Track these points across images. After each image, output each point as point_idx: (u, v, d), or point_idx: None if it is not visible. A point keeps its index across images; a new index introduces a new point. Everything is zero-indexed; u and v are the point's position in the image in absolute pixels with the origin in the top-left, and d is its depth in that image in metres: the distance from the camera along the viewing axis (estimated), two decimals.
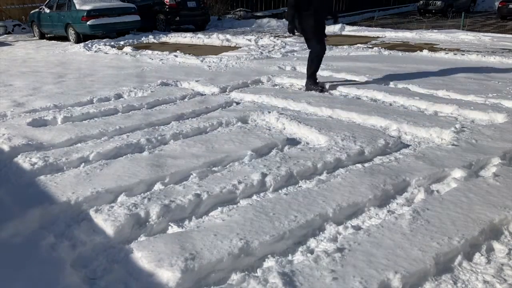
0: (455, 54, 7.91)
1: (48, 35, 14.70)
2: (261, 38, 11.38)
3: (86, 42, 11.71)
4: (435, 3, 19.98)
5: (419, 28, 13.34)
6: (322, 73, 6.55)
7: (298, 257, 2.19)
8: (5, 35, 15.70)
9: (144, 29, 13.98)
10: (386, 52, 8.59)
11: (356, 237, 2.25)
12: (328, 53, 8.75)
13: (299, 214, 2.47)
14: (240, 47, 10.30)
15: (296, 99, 4.93)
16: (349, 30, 13.30)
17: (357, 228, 2.41)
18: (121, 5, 13.50)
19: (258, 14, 18.12)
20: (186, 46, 11.20)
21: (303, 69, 6.97)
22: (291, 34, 5.39)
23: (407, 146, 3.64)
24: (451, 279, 1.97)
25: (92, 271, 2.12)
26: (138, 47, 10.85)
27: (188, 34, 12.64)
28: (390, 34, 11.81)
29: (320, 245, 2.27)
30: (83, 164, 3.32)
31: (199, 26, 15.28)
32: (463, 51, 8.54)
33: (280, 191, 2.89)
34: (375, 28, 13.54)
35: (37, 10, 14.58)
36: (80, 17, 12.41)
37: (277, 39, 11.23)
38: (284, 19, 15.94)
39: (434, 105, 4.57)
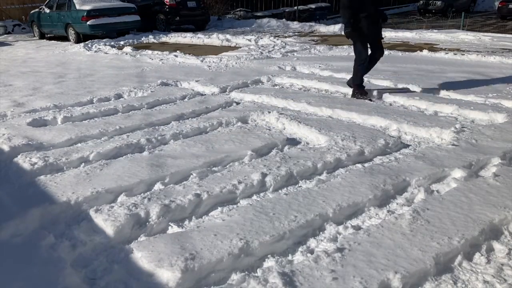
0: (455, 54, 7.91)
1: (48, 35, 14.70)
2: (261, 38, 11.38)
3: (86, 42, 11.72)
4: (435, 3, 20.00)
5: (419, 28, 13.34)
6: (322, 73, 6.56)
7: (298, 257, 2.19)
8: (5, 35, 15.72)
9: (144, 29, 13.98)
10: (386, 52, 8.55)
11: (356, 237, 2.25)
12: (328, 53, 8.78)
13: (299, 214, 2.47)
14: (240, 47, 10.30)
15: (296, 99, 4.93)
16: None
17: (357, 228, 2.41)
18: (121, 5, 13.51)
19: (258, 14, 18.11)
20: (186, 46, 11.20)
21: (303, 69, 7.00)
22: (348, 39, 4.85)
23: (407, 146, 3.64)
24: (451, 279, 1.97)
25: (92, 271, 2.12)
26: (138, 47, 10.85)
27: (188, 34, 12.64)
28: (390, 34, 11.79)
29: (320, 245, 2.27)
30: (83, 164, 3.32)
31: (199, 26, 15.28)
32: (463, 51, 8.54)
33: (280, 191, 2.89)
34: None
35: (37, 10, 14.58)
36: (80, 17, 12.42)
37: (277, 39, 11.22)
38: (284, 19, 15.96)
39: (434, 105, 4.56)
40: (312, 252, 2.21)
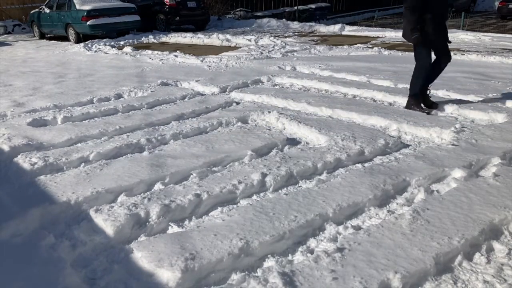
0: (455, 54, 7.90)
1: (48, 35, 14.70)
2: (261, 38, 11.39)
3: (86, 42, 11.72)
4: None
5: None
6: (322, 73, 6.56)
7: (298, 257, 2.19)
8: (5, 35, 15.71)
9: (144, 29, 13.98)
10: (386, 52, 8.59)
11: (356, 237, 2.25)
12: (328, 53, 8.78)
13: (299, 214, 2.47)
14: (240, 47, 10.30)
15: (296, 99, 4.93)
16: (349, 30, 13.30)
17: (357, 228, 2.41)
18: (121, 5, 13.51)
19: (258, 14, 18.11)
20: (186, 46, 11.21)
21: (303, 69, 7.00)
22: (415, 44, 4.25)
23: (407, 146, 3.65)
24: (451, 279, 1.97)
25: (92, 271, 2.12)
26: (138, 47, 10.86)
27: (188, 34, 12.64)
28: (390, 34, 11.80)
29: (320, 245, 2.27)
30: (83, 164, 3.32)
31: (199, 26, 15.28)
32: (463, 51, 8.54)
33: (280, 191, 2.89)
34: (375, 28, 13.54)
35: (37, 10, 14.58)
36: (80, 17, 12.42)
37: (277, 39, 11.23)
38: (284, 19, 15.95)
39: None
40: (312, 252, 2.21)
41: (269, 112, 4.43)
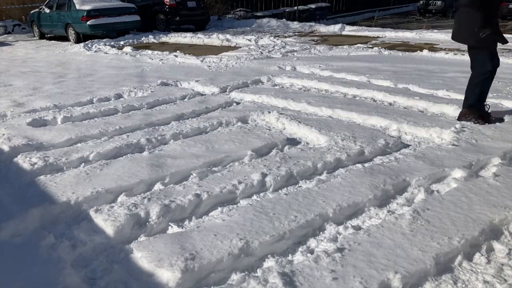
0: (455, 54, 7.91)
1: (48, 35, 14.70)
2: (261, 38, 11.39)
3: (86, 42, 11.72)
4: (435, 3, 20.00)
5: (419, 28, 13.34)
6: (322, 73, 6.56)
7: (298, 257, 2.19)
8: (5, 35, 15.71)
9: (144, 29, 13.98)
10: (386, 52, 8.58)
11: (356, 237, 2.25)
12: (328, 53, 8.78)
13: (299, 214, 2.47)
14: (240, 47, 10.30)
15: (296, 99, 4.93)
16: (349, 30, 13.30)
17: (357, 228, 2.41)
18: (121, 5, 13.51)
19: (258, 14, 18.13)
20: (186, 46, 11.21)
21: (303, 69, 7.00)
22: (482, 43, 3.77)
23: (407, 146, 3.64)
24: (451, 279, 1.97)
25: (92, 271, 2.12)
26: (138, 47, 10.85)
27: (188, 34, 12.64)
28: (390, 34, 11.80)
29: (320, 245, 2.27)
30: (83, 164, 3.32)
31: (199, 26, 15.28)
32: (463, 51, 8.52)
33: (280, 191, 2.89)
34: (375, 28, 13.54)
35: (37, 10, 14.58)
36: (80, 17, 12.42)
37: (277, 39, 11.23)
38: (284, 19, 15.95)
39: (434, 105, 4.56)
40: (312, 252, 2.21)
41: (269, 112, 4.43)
